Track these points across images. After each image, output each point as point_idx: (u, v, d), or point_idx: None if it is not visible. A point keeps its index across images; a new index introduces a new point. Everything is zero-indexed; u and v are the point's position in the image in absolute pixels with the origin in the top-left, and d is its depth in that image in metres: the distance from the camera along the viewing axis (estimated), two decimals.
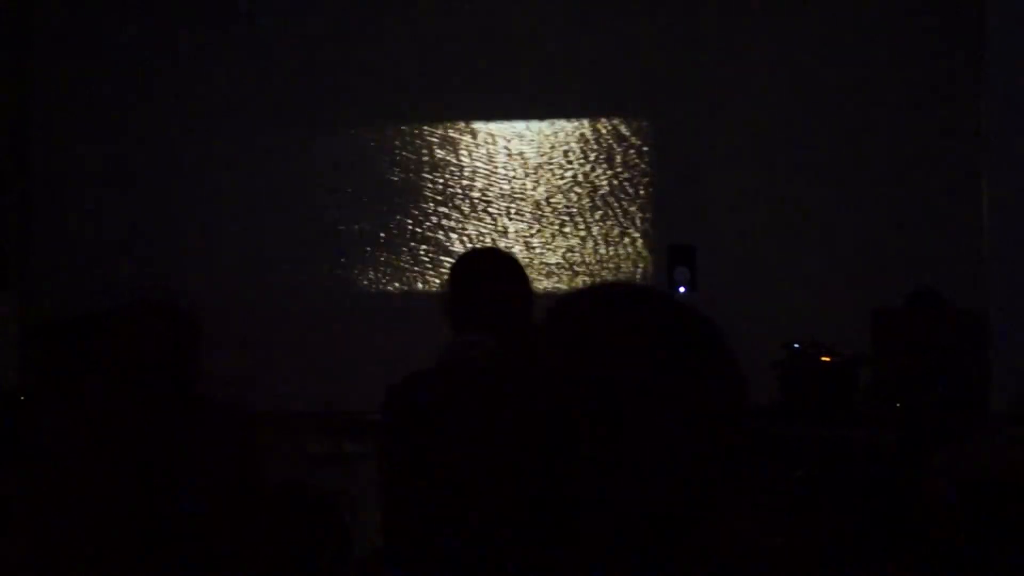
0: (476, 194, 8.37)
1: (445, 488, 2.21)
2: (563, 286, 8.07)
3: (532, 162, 8.32)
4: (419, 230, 8.43)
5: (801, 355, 6.60)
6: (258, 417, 2.60)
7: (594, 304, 2.21)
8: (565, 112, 8.27)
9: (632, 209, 8.27)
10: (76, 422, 2.43)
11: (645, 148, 8.26)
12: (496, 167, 8.36)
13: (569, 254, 8.27)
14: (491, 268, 2.46)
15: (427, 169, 8.43)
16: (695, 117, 8.06)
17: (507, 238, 8.30)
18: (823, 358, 6.50)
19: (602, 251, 8.23)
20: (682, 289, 7.31)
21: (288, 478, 3.42)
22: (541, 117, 8.30)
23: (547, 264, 8.25)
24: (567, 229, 8.28)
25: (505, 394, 2.24)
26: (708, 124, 8.04)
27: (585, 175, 8.29)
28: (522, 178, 8.33)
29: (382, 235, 8.46)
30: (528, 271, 8.61)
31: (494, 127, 8.36)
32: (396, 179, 8.46)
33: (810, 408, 6.25)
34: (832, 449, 5.84)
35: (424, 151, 8.43)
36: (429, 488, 2.23)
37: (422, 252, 8.42)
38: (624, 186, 8.28)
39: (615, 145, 8.25)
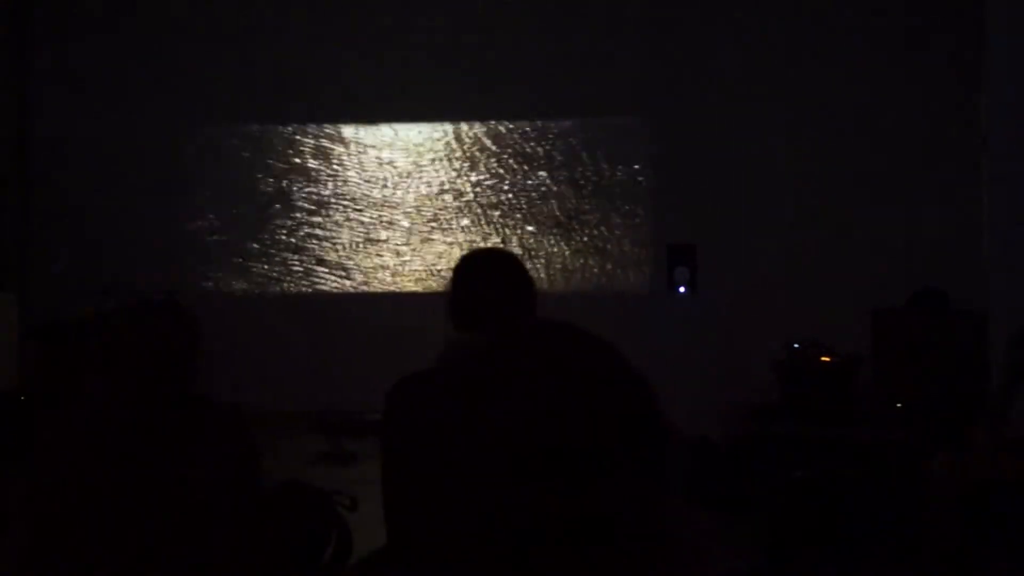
0: (347, 201, 8.40)
1: (443, 488, 2.21)
2: (431, 290, 8.19)
3: (403, 169, 8.37)
4: (292, 240, 8.44)
5: (801, 355, 6.60)
6: (258, 417, 2.60)
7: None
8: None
9: (633, 209, 8.29)
10: (76, 422, 2.43)
11: (641, 148, 8.27)
12: (369, 174, 8.39)
13: (438, 259, 8.31)
14: (492, 267, 2.46)
15: (299, 177, 8.44)
16: (694, 118, 8.05)
17: (377, 245, 8.34)
18: (823, 358, 6.51)
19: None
20: (682, 289, 7.31)
21: (288, 478, 3.41)
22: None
23: (415, 270, 8.32)
24: (435, 235, 8.34)
25: (500, 394, 2.24)
26: (708, 125, 8.04)
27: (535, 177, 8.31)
28: (392, 186, 8.37)
29: (255, 245, 8.45)
30: (399, 278, 8.64)
31: (363, 133, 8.39)
32: (270, 188, 8.46)
33: (810, 408, 6.25)
34: (832, 449, 5.84)
35: (296, 159, 8.44)
36: (428, 489, 2.23)
37: (294, 261, 8.43)
38: (620, 186, 8.29)
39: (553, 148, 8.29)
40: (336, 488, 3.54)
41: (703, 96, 8.03)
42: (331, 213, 8.42)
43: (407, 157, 8.39)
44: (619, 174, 8.28)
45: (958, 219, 7.51)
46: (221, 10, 8.40)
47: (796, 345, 6.72)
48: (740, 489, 5.73)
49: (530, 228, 8.30)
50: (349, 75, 8.28)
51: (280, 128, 8.46)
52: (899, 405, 6.06)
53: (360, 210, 8.43)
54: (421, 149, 8.37)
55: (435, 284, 8.15)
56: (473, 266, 2.49)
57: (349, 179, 8.44)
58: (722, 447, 6.26)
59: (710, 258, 7.45)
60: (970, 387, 5.80)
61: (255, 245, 8.46)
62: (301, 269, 8.43)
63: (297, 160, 8.44)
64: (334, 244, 8.42)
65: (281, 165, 8.46)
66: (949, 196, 7.63)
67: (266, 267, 8.45)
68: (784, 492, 5.64)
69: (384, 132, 8.39)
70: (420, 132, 8.36)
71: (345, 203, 8.43)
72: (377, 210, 8.40)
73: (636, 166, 8.28)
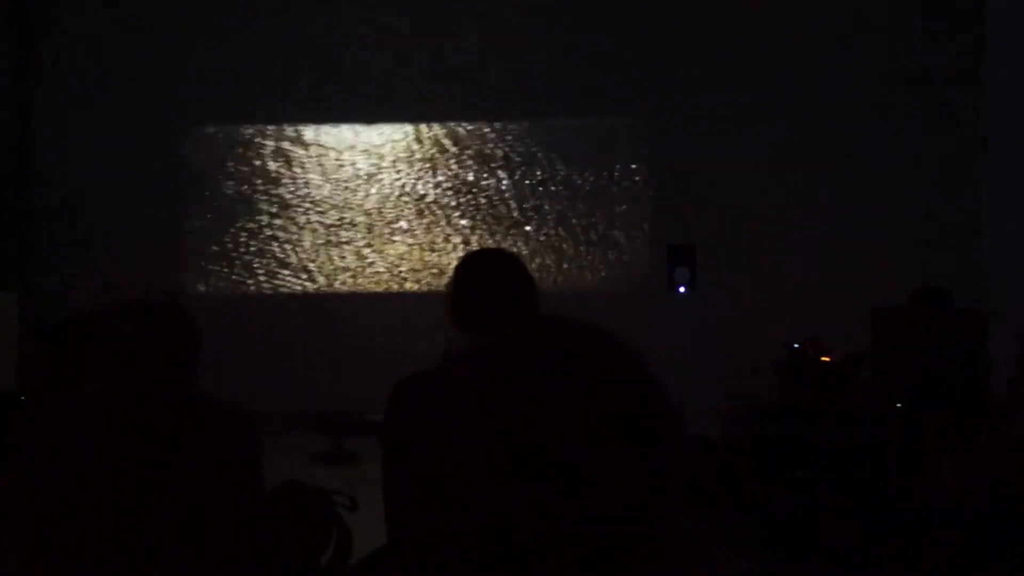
0: (309, 204, 8.41)
1: (445, 489, 2.21)
2: (392, 291, 8.19)
3: (364, 172, 8.38)
4: (254, 243, 8.44)
5: (801, 355, 6.60)
6: (259, 417, 2.59)
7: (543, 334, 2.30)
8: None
9: (626, 210, 8.29)
10: (76, 422, 2.43)
11: (643, 149, 8.28)
12: (330, 176, 8.40)
13: (398, 260, 8.33)
14: (494, 268, 2.45)
15: (260, 180, 8.44)
16: (695, 118, 8.05)
17: (339, 248, 8.35)
18: (823, 358, 6.50)
19: (428, 258, 8.29)
20: (682, 289, 7.31)
21: (288, 478, 3.41)
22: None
23: (377, 272, 8.34)
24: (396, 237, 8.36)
25: (503, 395, 2.24)
26: (708, 125, 8.03)
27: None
28: (354, 188, 8.38)
29: (215, 248, 8.44)
30: (360, 279, 8.59)
31: (325, 133, 8.39)
32: (230, 191, 8.45)
33: (810, 408, 6.25)
34: (832, 449, 5.84)
35: (256, 161, 8.44)
36: (429, 489, 2.23)
37: (257, 265, 8.42)
38: (621, 187, 8.29)
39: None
40: (336, 488, 3.54)
41: (703, 96, 8.03)
42: (294, 215, 8.44)
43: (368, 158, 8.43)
44: (618, 175, 8.29)
45: (958, 218, 7.51)
46: (192, 11, 8.39)
47: (796, 345, 6.71)
48: (740, 489, 5.73)
49: (527, 228, 8.31)
50: (310, 76, 8.26)
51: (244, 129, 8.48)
52: (899, 405, 6.06)
53: (323, 212, 8.44)
54: (383, 149, 8.39)
55: (422, 285, 8.16)
56: (475, 267, 2.48)
57: (311, 180, 8.44)
58: (722, 447, 6.26)
59: (710, 258, 7.45)
60: (970, 387, 5.80)
61: (215, 248, 8.47)
62: (263, 272, 8.42)
63: (258, 162, 8.47)
64: (296, 248, 8.44)
65: (243, 169, 8.48)
66: (949, 195, 7.63)
67: (226, 271, 8.45)
68: (784, 492, 5.63)
69: (345, 131, 8.40)
70: (404, 133, 8.38)
71: (306, 205, 8.44)
72: (338, 212, 8.41)
73: (636, 166, 8.28)
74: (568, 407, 2.20)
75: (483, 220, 8.33)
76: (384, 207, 8.41)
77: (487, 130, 8.33)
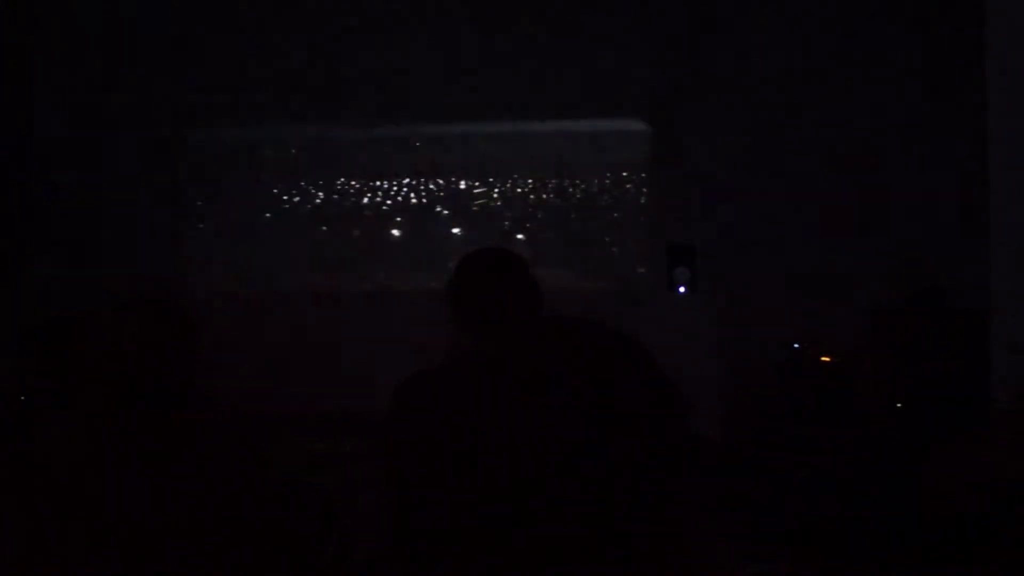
0: (309, 205, 8.43)
1: (451, 489, 2.21)
2: (393, 291, 8.23)
3: (365, 174, 8.42)
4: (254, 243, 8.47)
5: (801, 355, 6.60)
6: (258, 417, 2.59)
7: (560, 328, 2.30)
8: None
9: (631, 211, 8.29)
10: (74, 422, 2.42)
11: (644, 149, 8.28)
12: (330, 177, 8.43)
13: (399, 260, 8.38)
14: (496, 267, 2.45)
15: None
16: (694, 117, 8.05)
17: (339, 248, 8.43)
18: (823, 358, 6.50)
19: (429, 258, 8.34)
20: (682, 289, 7.31)
21: (288, 478, 3.41)
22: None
23: (378, 272, 8.37)
24: None
25: (508, 397, 2.24)
26: (707, 125, 8.03)
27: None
28: (354, 189, 8.43)
29: (215, 248, 8.39)
30: (361, 279, 8.57)
31: (325, 134, 8.39)
32: (231, 191, 8.41)
33: (810, 408, 6.25)
34: (832, 449, 5.85)
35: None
36: (434, 488, 2.23)
37: (256, 265, 8.42)
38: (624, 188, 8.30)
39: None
40: (336, 488, 3.54)
41: (703, 96, 8.02)
42: (295, 216, 8.44)
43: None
44: (619, 175, 8.29)
45: (958, 219, 7.50)
46: (194, 8, 8.37)
47: (796, 345, 6.71)
48: (740, 489, 5.74)
49: (522, 234, 8.31)
50: (309, 76, 8.25)
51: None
52: (899, 405, 6.06)
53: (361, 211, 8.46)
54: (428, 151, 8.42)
55: (423, 285, 8.15)
56: (477, 266, 2.48)
57: (346, 181, 8.46)
58: (722, 447, 6.26)
59: (710, 258, 7.45)
60: (970, 387, 5.80)
61: (248, 246, 8.48)
62: (264, 272, 8.42)
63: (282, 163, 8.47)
64: (301, 244, 8.44)
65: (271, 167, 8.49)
66: (949, 196, 7.62)
67: (250, 267, 8.46)
68: (784, 492, 5.64)
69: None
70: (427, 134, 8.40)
71: (343, 203, 8.45)
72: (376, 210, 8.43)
73: (636, 166, 8.28)
74: (577, 406, 2.20)
75: (480, 220, 8.33)
76: (384, 208, 8.41)
77: (486, 130, 8.33)
